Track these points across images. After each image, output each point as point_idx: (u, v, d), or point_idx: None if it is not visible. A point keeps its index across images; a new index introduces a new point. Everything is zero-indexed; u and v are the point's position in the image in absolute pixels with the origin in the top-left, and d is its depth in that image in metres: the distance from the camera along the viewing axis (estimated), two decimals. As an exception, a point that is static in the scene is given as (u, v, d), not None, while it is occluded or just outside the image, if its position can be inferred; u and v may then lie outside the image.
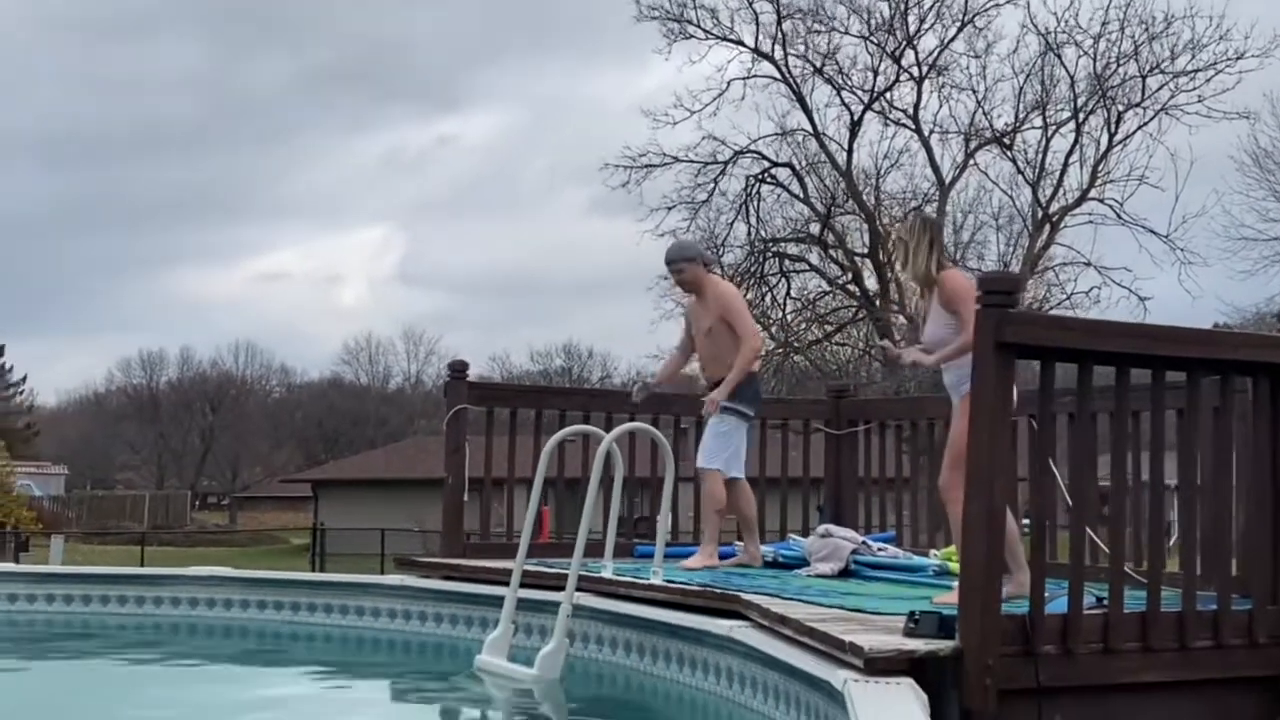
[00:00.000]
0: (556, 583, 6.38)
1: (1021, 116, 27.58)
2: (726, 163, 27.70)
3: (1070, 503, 4.99)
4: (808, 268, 29.13)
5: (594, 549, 6.68)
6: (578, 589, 6.11)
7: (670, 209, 27.36)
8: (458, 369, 8.54)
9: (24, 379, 77.63)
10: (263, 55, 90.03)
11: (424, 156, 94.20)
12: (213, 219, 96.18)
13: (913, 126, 27.85)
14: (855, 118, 27.77)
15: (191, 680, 6.68)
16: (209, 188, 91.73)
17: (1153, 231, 26.53)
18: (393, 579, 8.00)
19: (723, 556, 7.59)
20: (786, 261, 28.82)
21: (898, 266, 5.83)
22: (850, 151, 27.88)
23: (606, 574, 6.63)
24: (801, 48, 27.62)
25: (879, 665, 4.09)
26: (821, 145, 27.96)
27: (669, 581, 6.26)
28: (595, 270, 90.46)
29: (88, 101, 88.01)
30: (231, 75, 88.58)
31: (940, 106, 27.87)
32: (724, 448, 7.23)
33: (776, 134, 28.01)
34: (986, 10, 26.89)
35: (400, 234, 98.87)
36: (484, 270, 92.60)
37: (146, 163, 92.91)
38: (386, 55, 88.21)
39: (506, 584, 6.45)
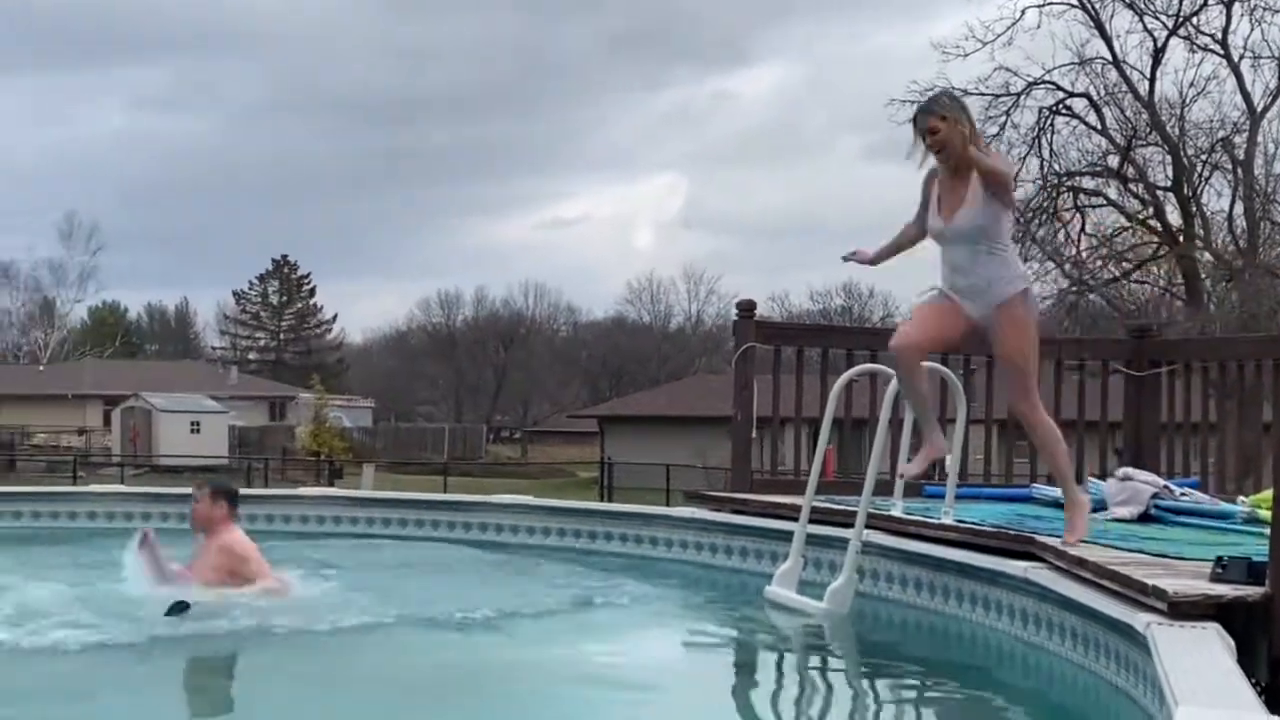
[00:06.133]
0: (844, 519, 6.45)
1: (1345, 38, 25.54)
2: (1019, 94, 26.78)
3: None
4: (1105, 202, 27.93)
5: (880, 488, 6.71)
6: (866, 526, 6.16)
7: (958, 144, 26.66)
8: (746, 308, 8.65)
9: (334, 318, 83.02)
10: (561, 23, 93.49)
11: (708, 110, 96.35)
12: (509, 172, 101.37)
13: (1221, 52, 26.20)
14: (1158, 44, 26.34)
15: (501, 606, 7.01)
16: (506, 144, 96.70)
17: None
18: (684, 511, 8.22)
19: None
20: (1082, 196, 27.71)
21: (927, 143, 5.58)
22: (1153, 80, 26.49)
23: (896, 512, 6.66)
24: (1101, -29, 26.35)
25: (1183, 609, 4.00)
26: (1122, 74, 26.66)
27: (960, 521, 6.24)
28: (874, 213, 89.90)
29: (402, 68, 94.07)
30: (531, 42, 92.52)
31: (1251, 30, 26.11)
32: None
33: (1073, 63, 26.89)
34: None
35: (683, 182, 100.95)
36: (762, 215, 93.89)
37: (452, 122, 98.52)
38: (677, 18, 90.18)
39: (794, 519, 6.56)
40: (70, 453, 39.43)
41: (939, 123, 5.63)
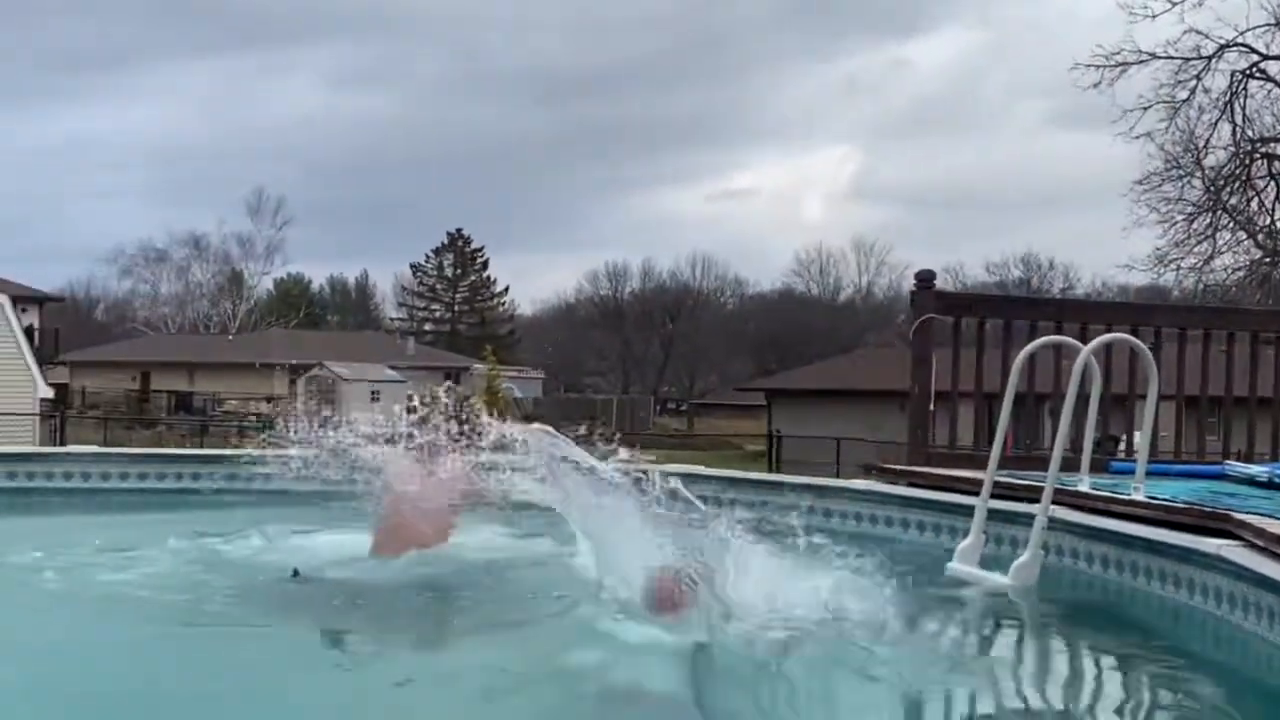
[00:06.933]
0: (1026, 495, 6.34)
1: None
2: (1210, 58, 25.70)
3: None
4: (1301, 170, 26.67)
5: (1064, 463, 6.55)
6: (1052, 502, 6.04)
7: (1146, 109, 25.80)
8: (925, 278, 8.54)
9: (506, 290, 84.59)
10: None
11: (882, 80, 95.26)
12: (680, 144, 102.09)
13: None
14: (1363, 2, 24.98)
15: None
16: (678, 116, 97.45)
17: None
18: (860, 483, 8.17)
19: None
20: (1276, 163, 26.49)
21: None
22: (1355, 41, 25.13)
23: (1083, 488, 6.52)
24: (1301, -74, 25.07)
25: (1392, 592, 3.85)
26: (1321, 35, 25.36)
27: (1151, 498, 6.08)
28: (1053, 182, 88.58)
29: (576, 43, 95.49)
30: (705, 13, 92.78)
31: None
32: None
33: (1268, 25, 25.65)
34: None
35: (855, 152, 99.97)
36: (936, 185, 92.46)
37: (626, 96, 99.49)
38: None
39: (972, 493, 6.47)
40: (260, 419, 41.03)
41: None
